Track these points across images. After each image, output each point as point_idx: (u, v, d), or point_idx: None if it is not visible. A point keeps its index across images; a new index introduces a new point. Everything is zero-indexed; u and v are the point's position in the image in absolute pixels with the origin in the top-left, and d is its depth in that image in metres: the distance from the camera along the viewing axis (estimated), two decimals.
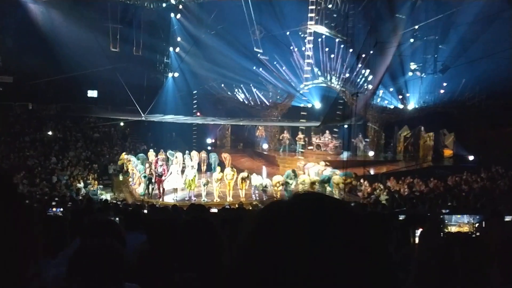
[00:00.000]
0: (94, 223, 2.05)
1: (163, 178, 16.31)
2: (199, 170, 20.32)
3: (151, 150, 20.41)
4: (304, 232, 0.74)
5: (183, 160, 19.72)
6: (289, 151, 23.20)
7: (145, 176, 16.75)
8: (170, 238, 2.60)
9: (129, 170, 19.31)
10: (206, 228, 2.16)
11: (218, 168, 16.82)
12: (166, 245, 2.65)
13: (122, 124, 25.07)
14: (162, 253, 2.64)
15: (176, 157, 19.88)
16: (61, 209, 6.35)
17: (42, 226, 1.84)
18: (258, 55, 23.46)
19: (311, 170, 18.52)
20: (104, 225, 2.06)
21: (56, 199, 13.49)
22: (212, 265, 1.99)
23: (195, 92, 26.15)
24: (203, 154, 20.79)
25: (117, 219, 4.32)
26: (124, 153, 20.36)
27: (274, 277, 0.72)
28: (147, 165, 17.31)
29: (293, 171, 17.01)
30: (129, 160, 18.99)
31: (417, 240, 4.89)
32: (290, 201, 0.81)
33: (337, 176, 16.98)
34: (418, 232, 5.03)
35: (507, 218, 7.50)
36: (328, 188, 16.86)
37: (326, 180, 16.95)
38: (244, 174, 16.36)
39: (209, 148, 24.44)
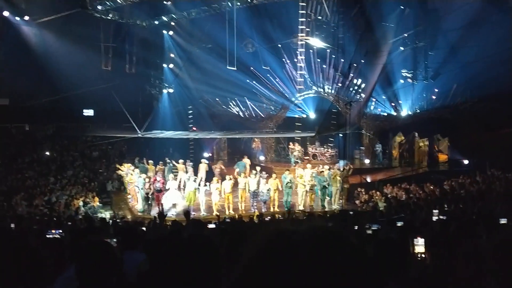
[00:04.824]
0: (89, 247, 2.15)
1: (161, 193, 16.40)
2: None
3: (150, 163, 20.22)
4: (306, 268, 0.76)
5: (185, 171, 19.64)
6: (284, 162, 23.31)
7: (142, 189, 16.75)
8: (168, 257, 2.68)
9: (125, 186, 19.32)
10: (205, 245, 2.19)
11: (215, 179, 16.81)
12: (165, 264, 2.61)
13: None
14: (161, 272, 2.59)
15: (176, 168, 19.94)
16: (60, 231, 6.44)
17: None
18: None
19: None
20: (99, 248, 2.16)
21: (55, 219, 13.50)
22: (210, 283, 1.99)
23: (190, 107, 26.30)
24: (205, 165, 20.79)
25: (114, 240, 4.44)
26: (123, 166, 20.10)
27: None
28: (146, 179, 17.15)
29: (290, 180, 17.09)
30: (126, 174, 18.93)
31: (416, 249, 4.87)
32: (296, 235, 0.83)
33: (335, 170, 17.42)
34: (416, 241, 5.01)
35: (503, 221, 7.55)
36: (329, 188, 17.00)
37: (323, 180, 17.03)
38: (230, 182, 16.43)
39: (206, 162, 24.51)
